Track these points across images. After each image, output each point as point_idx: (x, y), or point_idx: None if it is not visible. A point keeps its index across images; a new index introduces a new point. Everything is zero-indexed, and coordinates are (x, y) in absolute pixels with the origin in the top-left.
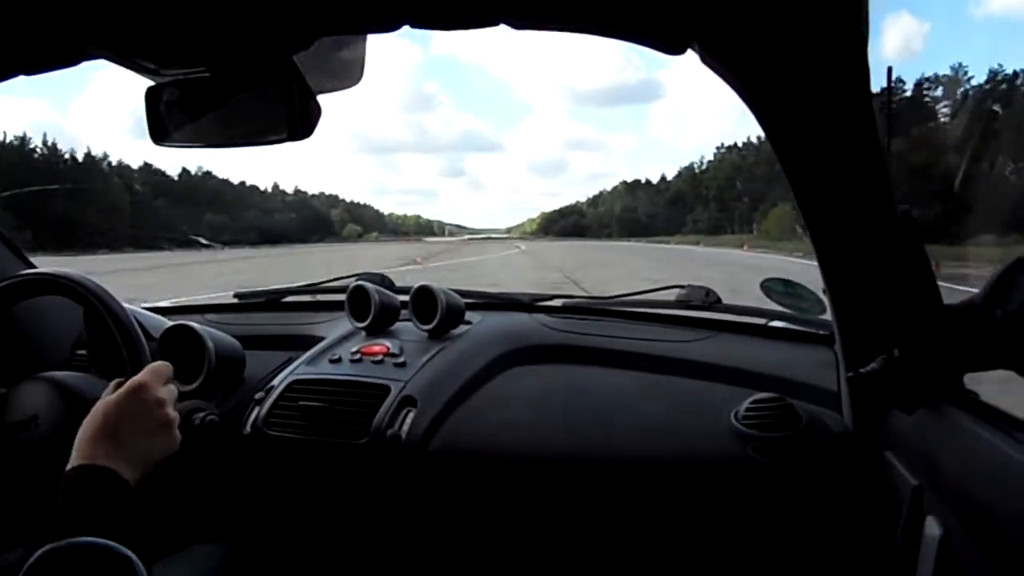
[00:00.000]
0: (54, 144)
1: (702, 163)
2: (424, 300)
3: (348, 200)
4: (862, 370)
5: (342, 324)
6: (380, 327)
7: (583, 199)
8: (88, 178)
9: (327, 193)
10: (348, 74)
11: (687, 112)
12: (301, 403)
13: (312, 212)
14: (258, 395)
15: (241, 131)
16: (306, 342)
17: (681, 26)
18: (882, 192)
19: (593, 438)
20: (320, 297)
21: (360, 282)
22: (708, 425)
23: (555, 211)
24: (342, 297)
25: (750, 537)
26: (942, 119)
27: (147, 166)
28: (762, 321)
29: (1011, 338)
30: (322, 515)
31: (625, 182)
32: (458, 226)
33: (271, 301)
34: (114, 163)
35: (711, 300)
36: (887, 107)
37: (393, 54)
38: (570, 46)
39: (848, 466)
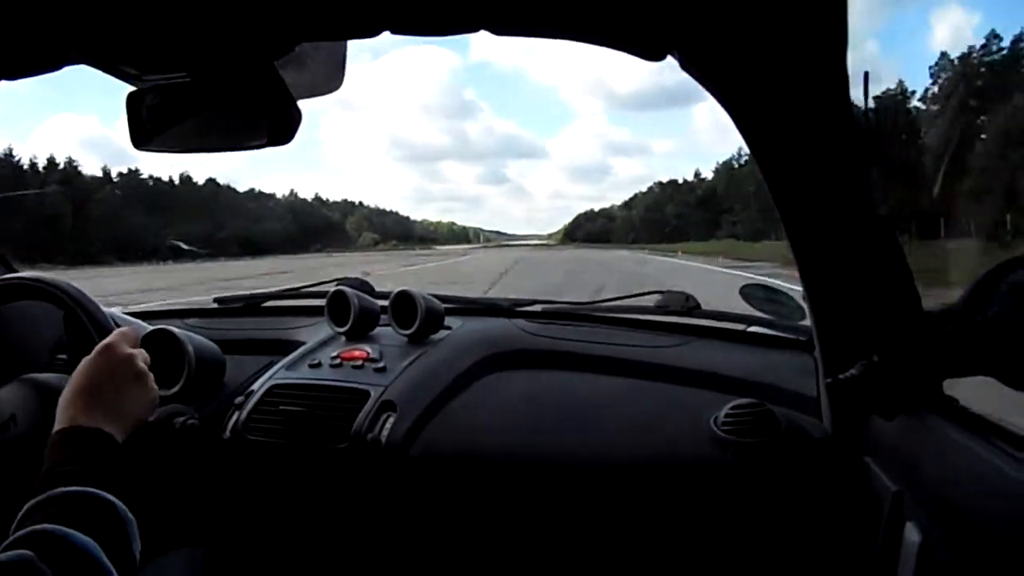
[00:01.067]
0: None
1: (740, 156)
2: (404, 305)
3: (372, 207)
4: (841, 376)
5: (322, 329)
6: (360, 332)
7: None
8: (18, 187)
9: (348, 200)
10: (328, 79)
11: (724, 118)
12: (281, 408)
13: (317, 219)
14: (238, 400)
15: (222, 136)
16: (286, 347)
17: (660, 33)
18: (862, 197)
19: (573, 443)
20: (300, 302)
21: (340, 287)
22: (688, 430)
23: (581, 215)
24: (322, 302)
25: (730, 542)
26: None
27: (132, 173)
28: (741, 327)
29: (991, 344)
30: (302, 520)
31: (660, 182)
32: (497, 232)
33: (251, 306)
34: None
35: (690, 305)
36: (865, 112)
37: (430, 61)
38: (607, 50)
39: (828, 472)
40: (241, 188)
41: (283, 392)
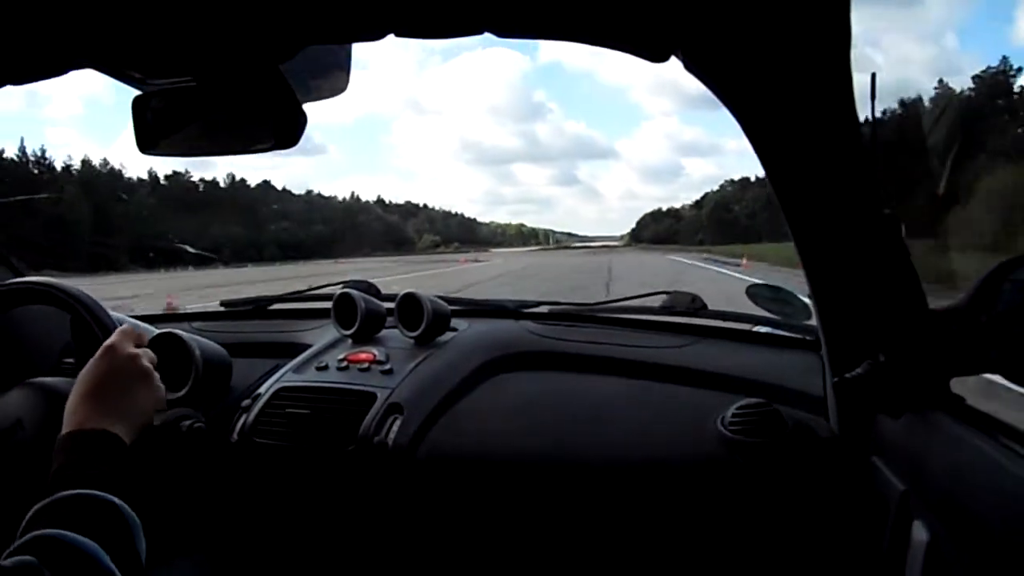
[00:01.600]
0: None
1: None
2: (410, 307)
3: (436, 209)
4: (848, 375)
5: (328, 331)
6: (366, 334)
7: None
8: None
9: (412, 202)
10: (334, 82)
11: None
12: (288, 410)
13: (374, 222)
14: (245, 403)
15: (227, 140)
16: (293, 350)
17: (664, 35)
18: (867, 197)
19: (579, 444)
20: (306, 305)
21: (346, 290)
22: (694, 431)
23: (647, 215)
24: (328, 305)
25: (737, 543)
26: None
27: (179, 175)
28: (747, 327)
29: (997, 342)
30: (310, 523)
31: (731, 180)
32: (568, 234)
33: (258, 309)
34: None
35: (696, 306)
36: (872, 112)
37: (500, 63)
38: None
39: (835, 471)
40: (299, 191)
41: (290, 395)
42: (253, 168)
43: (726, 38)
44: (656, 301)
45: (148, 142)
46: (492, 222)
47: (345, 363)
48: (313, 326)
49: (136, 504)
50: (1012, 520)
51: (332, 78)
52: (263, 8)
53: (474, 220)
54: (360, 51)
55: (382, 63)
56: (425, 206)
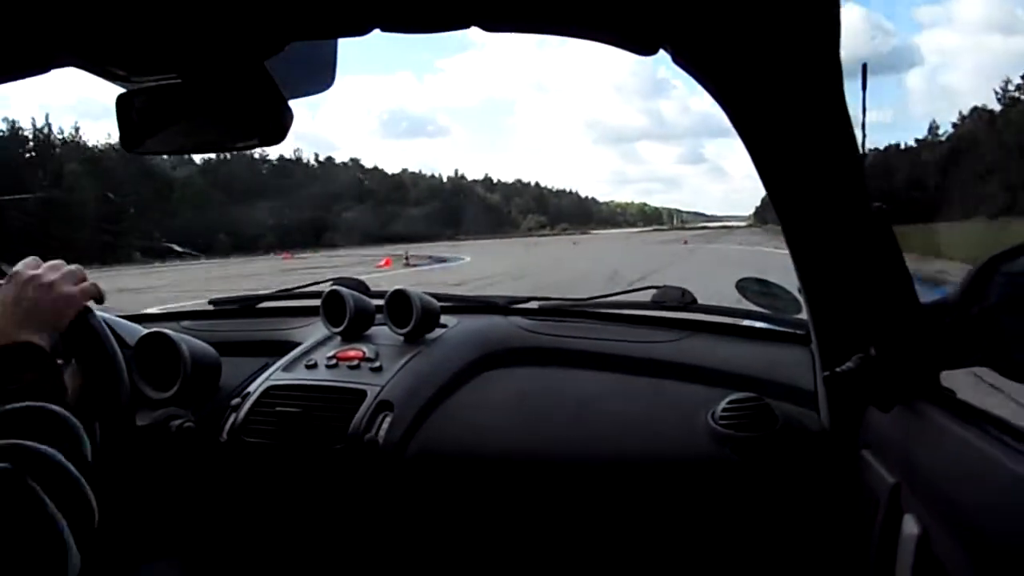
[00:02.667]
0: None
1: (1007, 90)
2: (399, 304)
3: (545, 187)
4: (838, 369)
5: (318, 329)
6: (356, 332)
7: None
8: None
9: (521, 181)
10: (319, 78)
11: (948, 77)
12: (278, 409)
13: (473, 202)
14: (234, 402)
15: (214, 137)
16: (282, 348)
17: (651, 28)
18: (856, 190)
19: (570, 440)
20: (295, 302)
21: (335, 287)
22: (685, 426)
23: None
24: (317, 302)
25: (728, 537)
26: None
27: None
28: (738, 321)
29: (988, 335)
30: (301, 521)
31: (876, 149)
32: (695, 213)
33: (246, 307)
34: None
35: (687, 300)
36: (862, 105)
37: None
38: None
39: (825, 465)
40: (393, 170)
41: (279, 393)
42: (366, 148)
43: (714, 30)
44: (647, 296)
45: (133, 140)
46: (612, 201)
47: (334, 361)
48: (302, 324)
49: (128, 504)
50: (1002, 513)
51: (318, 74)
52: (247, 4)
53: (590, 199)
54: (477, 33)
55: (502, 44)
56: (536, 185)
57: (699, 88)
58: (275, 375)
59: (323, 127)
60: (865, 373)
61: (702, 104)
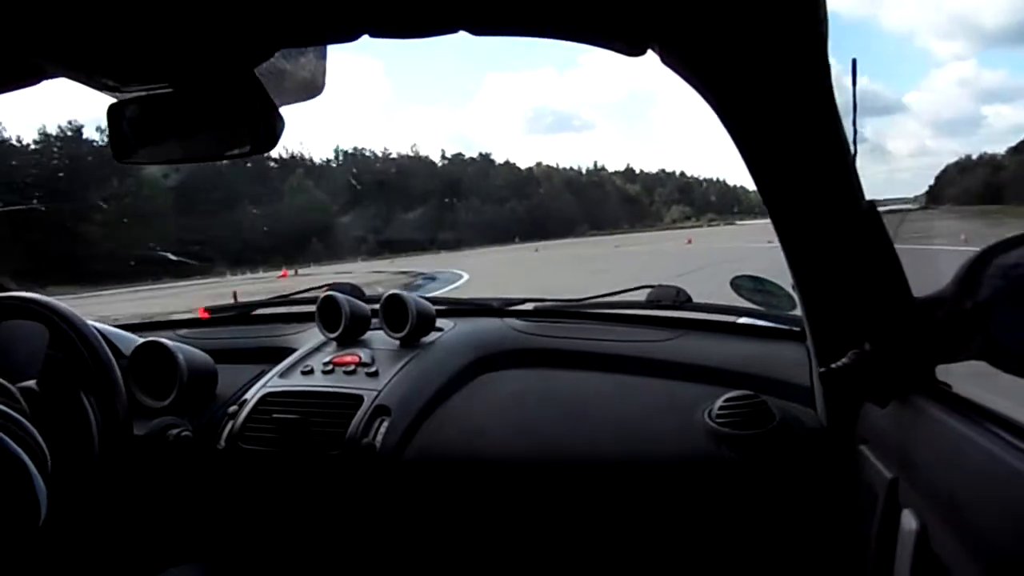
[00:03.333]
0: None
1: None
2: (394, 308)
3: (691, 176)
4: (833, 365)
5: (313, 335)
6: (351, 337)
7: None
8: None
9: (664, 170)
10: (310, 84)
11: None
12: (275, 416)
13: (609, 195)
14: (231, 409)
15: (205, 146)
16: (278, 354)
17: (640, 29)
18: (847, 187)
19: (567, 441)
20: (291, 309)
21: (330, 292)
22: (682, 424)
23: (950, 166)
24: (312, 308)
25: (727, 535)
26: None
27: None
28: (733, 319)
29: (982, 328)
30: (300, 528)
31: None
32: None
33: (242, 314)
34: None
35: (681, 299)
36: (852, 102)
37: None
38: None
39: (823, 461)
40: (525, 165)
41: (276, 400)
42: (512, 145)
43: (701, 30)
44: (641, 295)
45: (125, 150)
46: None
47: (331, 366)
48: (298, 330)
49: (128, 514)
50: (999, 507)
51: (309, 80)
52: (234, 12)
53: (738, 188)
54: None
55: None
56: (681, 174)
57: (860, 65)
58: (272, 382)
59: (470, 126)
60: (861, 369)
61: (859, 81)
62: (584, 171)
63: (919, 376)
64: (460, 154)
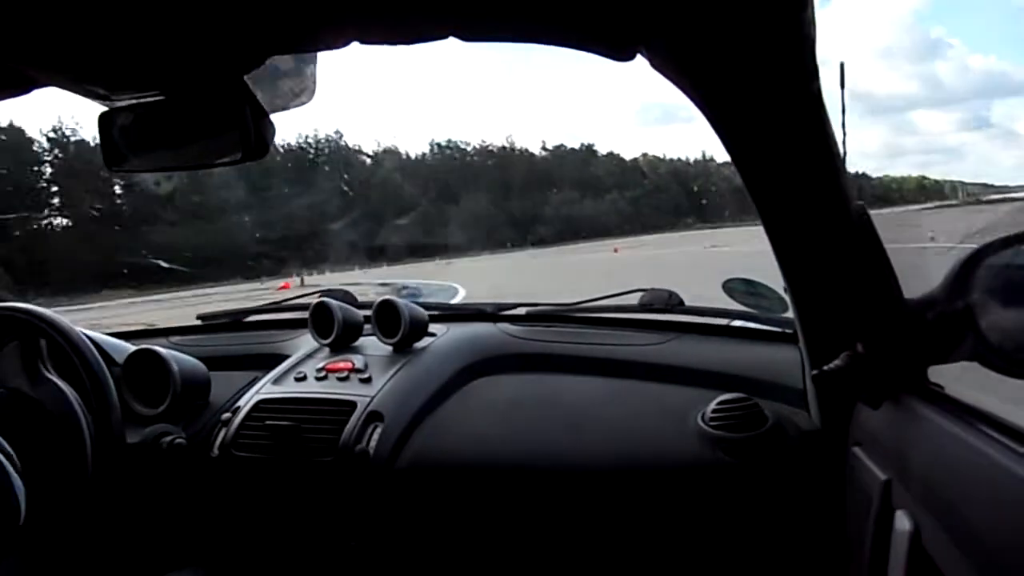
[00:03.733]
0: None
1: None
2: (387, 314)
3: None
4: (826, 367)
5: (306, 341)
6: (344, 343)
7: None
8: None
9: None
10: (301, 91)
11: None
12: (268, 423)
13: (702, 184)
14: (225, 416)
15: (197, 153)
16: (271, 361)
17: (627, 33)
18: (838, 189)
19: (561, 446)
20: (283, 315)
21: (323, 299)
22: (675, 428)
23: None
24: (305, 315)
25: (722, 538)
26: None
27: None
28: (726, 321)
29: (974, 329)
30: (294, 535)
31: None
32: (983, 185)
33: (234, 321)
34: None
35: (674, 302)
36: (841, 104)
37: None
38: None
39: (817, 463)
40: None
41: (270, 407)
42: (622, 138)
43: (690, 34)
44: (633, 299)
45: (116, 158)
46: (885, 176)
47: (324, 373)
48: (290, 337)
49: (122, 522)
50: (991, 507)
51: (299, 86)
52: (225, 20)
53: (861, 174)
54: None
55: None
56: None
57: (981, 43)
58: (265, 389)
59: (573, 120)
60: (853, 370)
61: (985, 61)
62: (692, 161)
63: (911, 377)
64: (561, 145)
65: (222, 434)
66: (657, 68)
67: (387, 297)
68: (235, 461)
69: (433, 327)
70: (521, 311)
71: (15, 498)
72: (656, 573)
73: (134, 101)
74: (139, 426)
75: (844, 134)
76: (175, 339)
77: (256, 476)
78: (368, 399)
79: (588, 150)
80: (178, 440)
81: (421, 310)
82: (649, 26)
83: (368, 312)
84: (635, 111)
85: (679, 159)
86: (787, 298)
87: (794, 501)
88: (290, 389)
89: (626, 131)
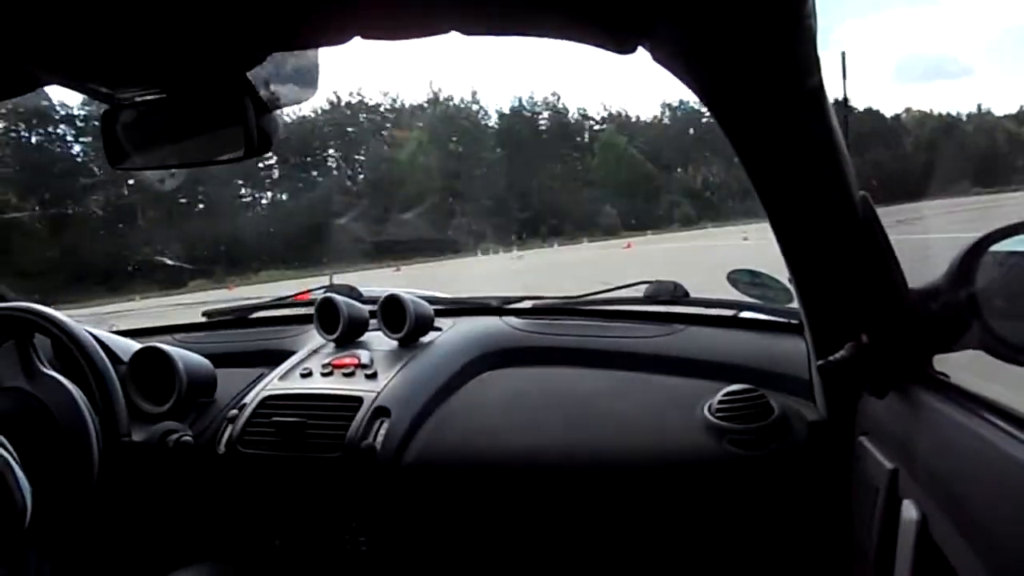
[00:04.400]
0: None
1: None
2: (393, 309)
3: None
4: (831, 358)
5: (312, 337)
6: (350, 338)
7: None
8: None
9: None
10: (303, 87)
11: None
12: (274, 419)
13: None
14: (231, 413)
15: (199, 150)
16: (277, 357)
17: (629, 27)
18: (841, 180)
19: (567, 439)
20: (289, 311)
21: (328, 294)
22: (682, 420)
23: None
24: (311, 310)
25: (729, 529)
26: None
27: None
28: (731, 312)
29: (978, 318)
30: (301, 531)
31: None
32: None
33: (240, 318)
34: None
35: (679, 294)
36: (843, 94)
37: None
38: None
39: (823, 453)
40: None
41: (276, 403)
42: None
43: (691, 27)
44: (639, 291)
45: (119, 156)
46: None
47: (329, 368)
48: (296, 333)
49: (129, 521)
50: (998, 496)
51: (301, 83)
52: (226, 17)
53: None
54: None
55: None
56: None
57: None
58: (271, 385)
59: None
60: (859, 361)
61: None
62: (965, 116)
63: (917, 367)
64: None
65: (228, 431)
66: (659, 61)
67: (392, 292)
68: (241, 458)
69: (439, 321)
70: (527, 304)
71: (22, 497)
72: (664, 564)
73: (136, 99)
74: (145, 424)
75: (846, 124)
76: (180, 336)
77: (263, 473)
78: (374, 394)
79: (840, 105)
80: (184, 438)
81: (426, 304)
82: (650, 19)
83: (373, 307)
84: (895, 66)
85: (949, 114)
86: (791, 288)
87: (801, 492)
88: (296, 385)
89: (884, 88)
